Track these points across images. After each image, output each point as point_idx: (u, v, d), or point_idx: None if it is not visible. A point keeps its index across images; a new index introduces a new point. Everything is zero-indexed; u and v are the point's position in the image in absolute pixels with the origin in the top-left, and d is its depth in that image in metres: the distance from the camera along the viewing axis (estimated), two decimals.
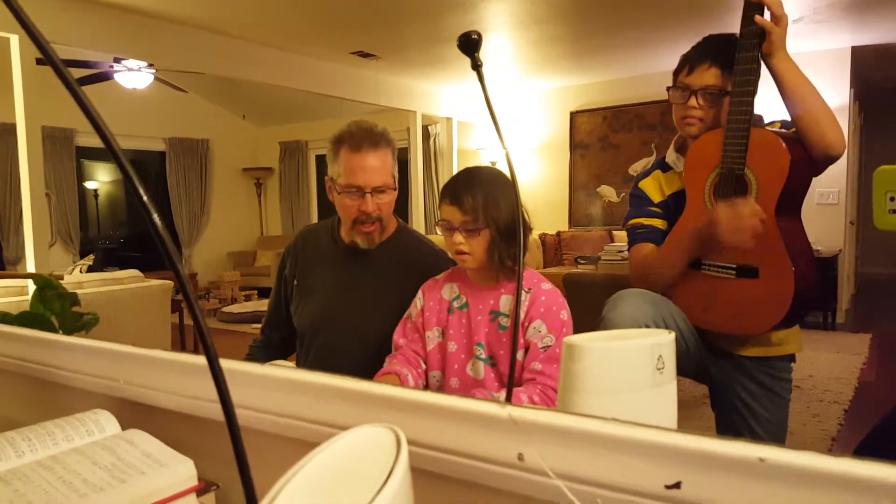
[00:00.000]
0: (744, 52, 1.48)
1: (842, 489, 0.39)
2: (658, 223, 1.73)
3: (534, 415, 0.50)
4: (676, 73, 1.69)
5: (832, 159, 1.47)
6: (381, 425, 0.39)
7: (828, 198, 5.92)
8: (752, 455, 0.42)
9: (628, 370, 0.67)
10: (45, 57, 0.44)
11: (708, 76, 1.61)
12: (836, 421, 3.32)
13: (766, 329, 1.53)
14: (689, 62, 1.65)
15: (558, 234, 7.01)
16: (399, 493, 0.33)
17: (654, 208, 1.75)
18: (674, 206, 1.70)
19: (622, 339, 0.71)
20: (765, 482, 0.41)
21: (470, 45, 0.77)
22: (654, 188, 1.77)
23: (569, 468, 0.48)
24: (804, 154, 1.48)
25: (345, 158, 1.56)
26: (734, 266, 1.53)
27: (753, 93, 1.49)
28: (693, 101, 1.62)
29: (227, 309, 7.02)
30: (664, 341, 0.70)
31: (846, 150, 5.56)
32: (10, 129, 4.00)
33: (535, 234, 6.83)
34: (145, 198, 0.44)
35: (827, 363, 4.44)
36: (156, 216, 0.45)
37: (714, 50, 1.62)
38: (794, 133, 1.51)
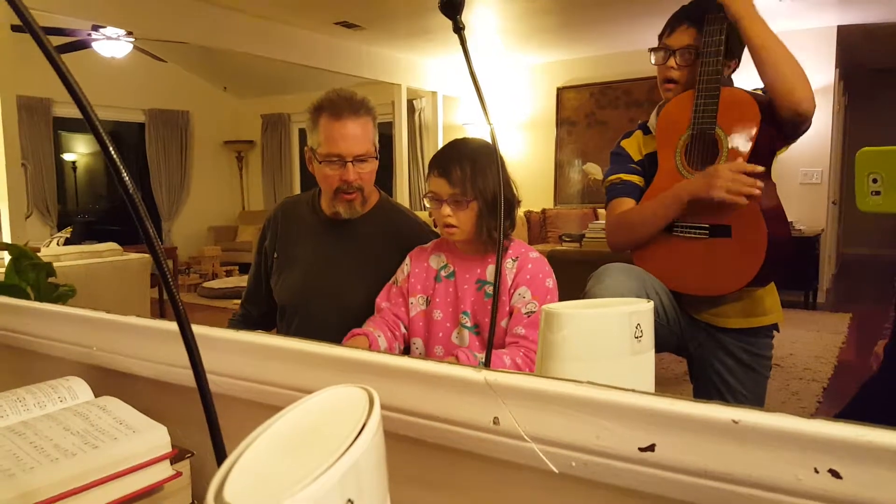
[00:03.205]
0: (712, 11, 1.50)
1: (814, 449, 0.39)
2: (637, 179, 1.74)
3: (509, 378, 0.50)
4: (660, 36, 1.71)
5: (802, 118, 1.46)
6: (353, 385, 0.38)
7: (811, 177, 5.96)
8: (726, 417, 0.41)
9: (606, 338, 0.67)
10: (24, 23, 0.42)
11: (686, 36, 1.62)
12: (814, 399, 3.38)
13: (740, 287, 1.54)
14: (669, 24, 1.68)
15: (543, 211, 7.01)
16: (371, 448, 0.32)
17: (634, 165, 1.76)
18: (648, 167, 1.73)
19: (601, 308, 0.71)
20: (738, 444, 0.41)
21: (452, 6, 0.75)
22: (635, 147, 1.78)
23: (544, 431, 0.48)
24: (774, 112, 1.48)
25: (325, 127, 1.53)
26: (707, 226, 1.54)
27: (722, 51, 1.50)
28: (672, 62, 1.64)
29: (207, 284, 6.97)
30: (642, 310, 0.70)
31: (830, 130, 5.52)
32: None
33: (520, 212, 6.82)
34: (118, 162, 0.42)
35: (807, 342, 4.50)
36: (125, 174, 0.44)
37: (693, 10, 1.64)
38: (765, 93, 1.51)
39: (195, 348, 0.43)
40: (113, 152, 0.43)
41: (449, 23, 0.80)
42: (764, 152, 1.52)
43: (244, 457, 0.30)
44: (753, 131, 1.47)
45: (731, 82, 1.63)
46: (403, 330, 1.49)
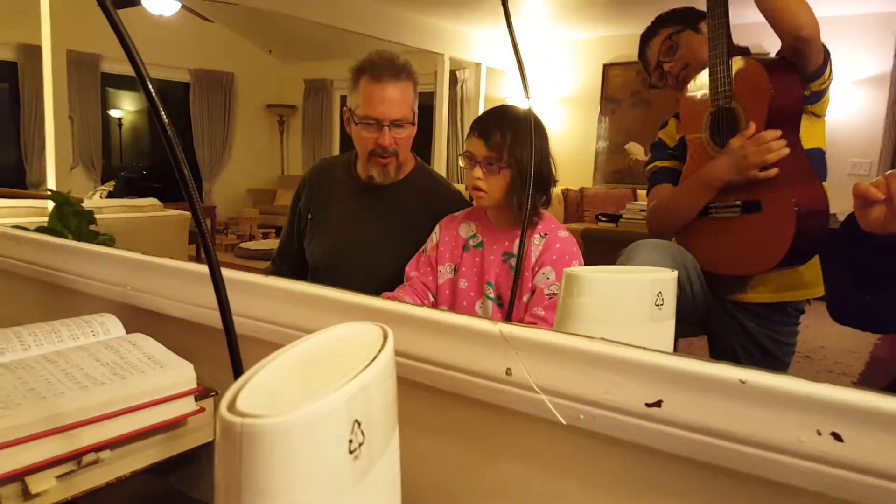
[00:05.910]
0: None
1: (818, 412, 0.39)
2: (674, 164, 1.75)
3: (523, 332, 0.51)
4: (647, 71, 1.84)
5: (805, 42, 1.39)
6: (369, 322, 0.40)
7: (860, 168, 5.75)
8: (734, 377, 0.42)
9: (627, 303, 0.67)
10: None
11: (654, 46, 1.76)
12: None
13: (770, 267, 1.48)
14: (640, 57, 1.85)
15: (581, 189, 6.94)
16: (382, 377, 0.34)
17: (671, 151, 1.77)
18: (684, 150, 1.72)
19: (624, 273, 0.71)
20: (745, 404, 0.41)
21: None
22: (669, 136, 1.80)
23: (554, 384, 0.49)
24: (784, 69, 1.45)
25: (364, 88, 1.53)
26: (738, 203, 1.52)
27: (726, 26, 1.46)
28: (666, 66, 1.73)
29: (244, 245, 7.10)
30: (665, 278, 0.70)
31: (883, 120, 5.25)
32: (38, 52, 4.00)
33: (557, 189, 6.77)
34: (168, 126, 0.44)
35: (840, 335, 4.40)
36: (171, 130, 0.46)
37: (653, 26, 1.80)
38: (775, 56, 1.50)
39: (222, 286, 0.45)
40: (163, 113, 0.45)
41: None
42: (781, 113, 1.47)
43: (259, 374, 0.32)
44: (766, 95, 1.43)
45: (747, 51, 1.59)
46: (431, 299, 1.50)
